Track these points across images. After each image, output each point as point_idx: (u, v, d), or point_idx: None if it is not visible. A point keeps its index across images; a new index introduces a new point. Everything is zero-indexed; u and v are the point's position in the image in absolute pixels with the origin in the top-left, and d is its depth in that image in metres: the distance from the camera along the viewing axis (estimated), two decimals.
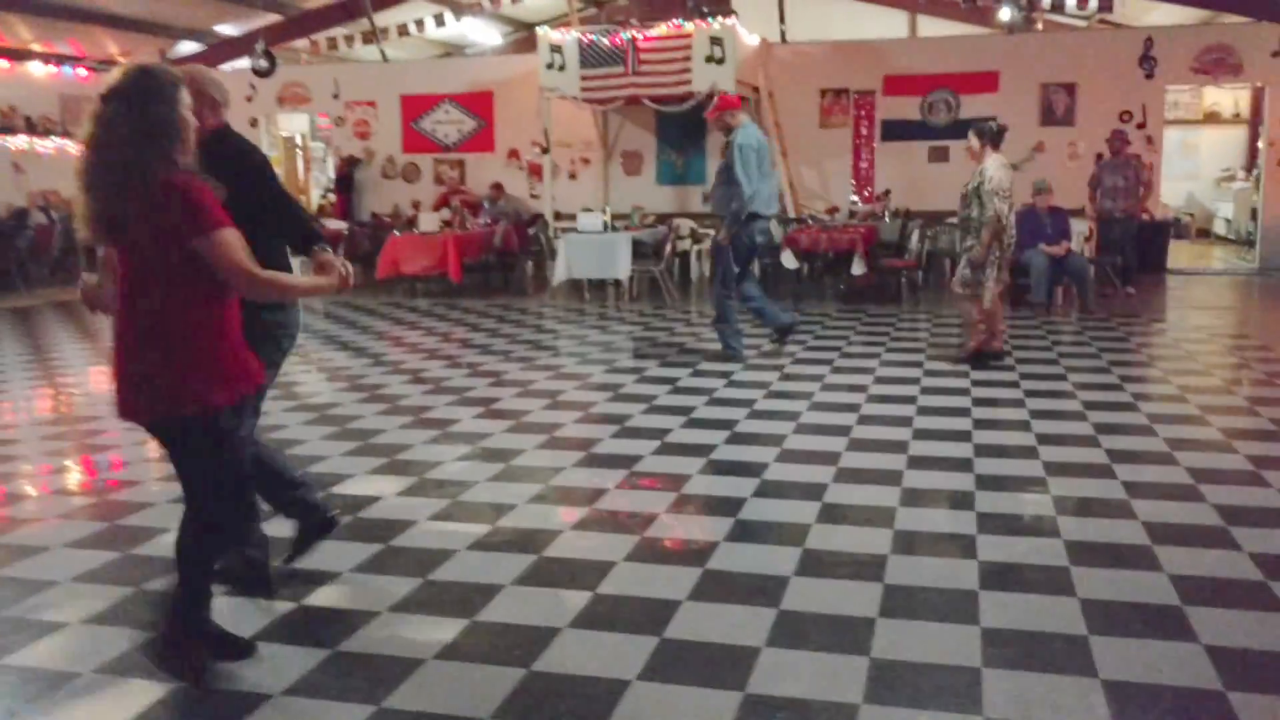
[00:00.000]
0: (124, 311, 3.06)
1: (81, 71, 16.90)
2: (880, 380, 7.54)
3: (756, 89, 14.76)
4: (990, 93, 14.51)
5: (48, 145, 16.22)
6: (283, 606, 3.80)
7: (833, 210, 14.29)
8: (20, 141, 15.75)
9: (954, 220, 12.58)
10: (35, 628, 3.67)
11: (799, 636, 3.47)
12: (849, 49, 15.27)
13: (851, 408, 6.70)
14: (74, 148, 14.12)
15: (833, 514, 4.69)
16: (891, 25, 17.41)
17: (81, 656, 3.44)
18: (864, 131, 15.19)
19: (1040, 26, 16.38)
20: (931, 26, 17.48)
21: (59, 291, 14.01)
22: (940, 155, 14.84)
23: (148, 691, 3.21)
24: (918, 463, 5.46)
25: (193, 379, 3.03)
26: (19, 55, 15.88)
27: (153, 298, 3.00)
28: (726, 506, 4.83)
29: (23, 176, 15.70)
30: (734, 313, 8.58)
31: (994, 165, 7.78)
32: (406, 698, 3.13)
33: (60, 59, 16.47)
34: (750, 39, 14.46)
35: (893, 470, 5.32)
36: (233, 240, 2.99)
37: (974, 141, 7.90)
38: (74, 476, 5.67)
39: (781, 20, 16.69)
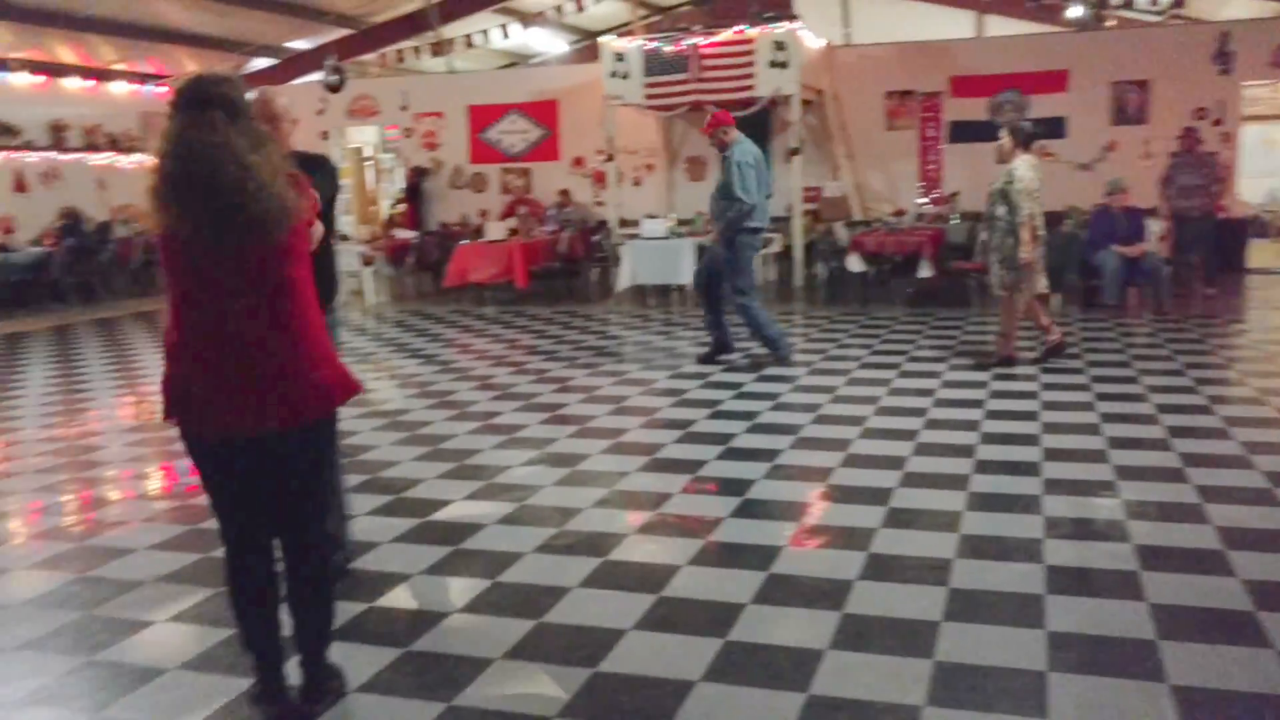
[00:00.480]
0: (236, 323, 2.90)
1: (161, 89, 17.42)
2: (948, 384, 7.48)
3: (821, 92, 14.73)
4: (1059, 92, 14.30)
5: (129, 161, 16.76)
6: (356, 607, 3.91)
7: (899, 213, 14.18)
8: (104, 158, 16.28)
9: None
10: (124, 626, 3.83)
11: (862, 639, 3.49)
12: (915, 50, 15.15)
13: (918, 412, 6.67)
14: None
15: (898, 518, 4.69)
16: (958, 25, 17.24)
17: (167, 654, 3.58)
18: (931, 133, 15.05)
19: (1111, 23, 16.11)
20: (999, 26, 17.28)
21: (140, 302, 14.45)
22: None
23: (228, 687, 3.33)
24: (984, 467, 5.42)
25: (328, 379, 3.01)
26: (103, 75, 16.43)
27: (284, 302, 2.93)
28: (791, 511, 4.85)
29: (106, 192, 16.23)
30: (763, 313, 8.59)
31: (1023, 166, 7.72)
32: (476, 696, 3.21)
33: (141, 77, 17.00)
34: (814, 42, 14.43)
35: (959, 475, 5.29)
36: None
37: (1005, 141, 7.86)
38: (156, 482, 5.87)
39: (845, 23, 16.65)
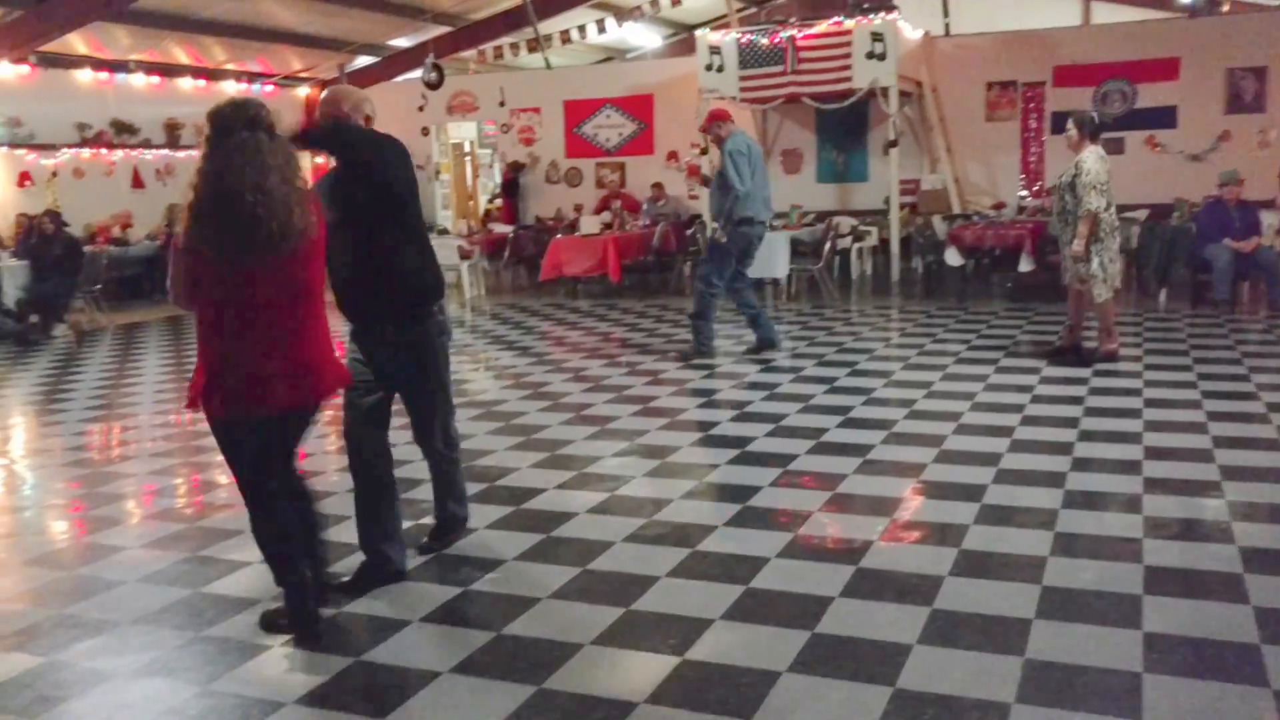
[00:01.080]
0: (268, 316, 3.41)
1: (268, 88, 17.96)
2: (1046, 380, 7.33)
3: (919, 83, 14.51)
4: (1170, 80, 13.85)
5: None
6: (450, 591, 4.02)
7: (999, 206, 13.90)
8: None
9: (1130, 215, 12.13)
10: (232, 604, 3.99)
11: (951, 635, 3.46)
12: (1017, 39, 14.82)
13: (1015, 408, 6.55)
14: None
15: (992, 515, 4.63)
16: (1062, 14, 16.82)
17: (261, 634, 3.73)
18: (1033, 124, 14.72)
19: (1226, 8, 15.52)
20: (1106, 13, 16.81)
21: None
22: (1115, 147, 14.16)
23: (328, 664, 3.45)
24: (1082, 465, 5.31)
25: (334, 369, 3.66)
26: (213, 75, 17.00)
27: (307, 301, 3.49)
28: (882, 506, 4.82)
29: None
30: (714, 311, 8.80)
31: (1091, 158, 7.56)
32: (565, 680, 3.28)
33: (250, 76, 17.55)
34: (912, 33, 14.22)
35: (1056, 472, 5.19)
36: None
37: (1073, 132, 7.71)
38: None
39: (945, 13, 16.38)
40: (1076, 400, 6.69)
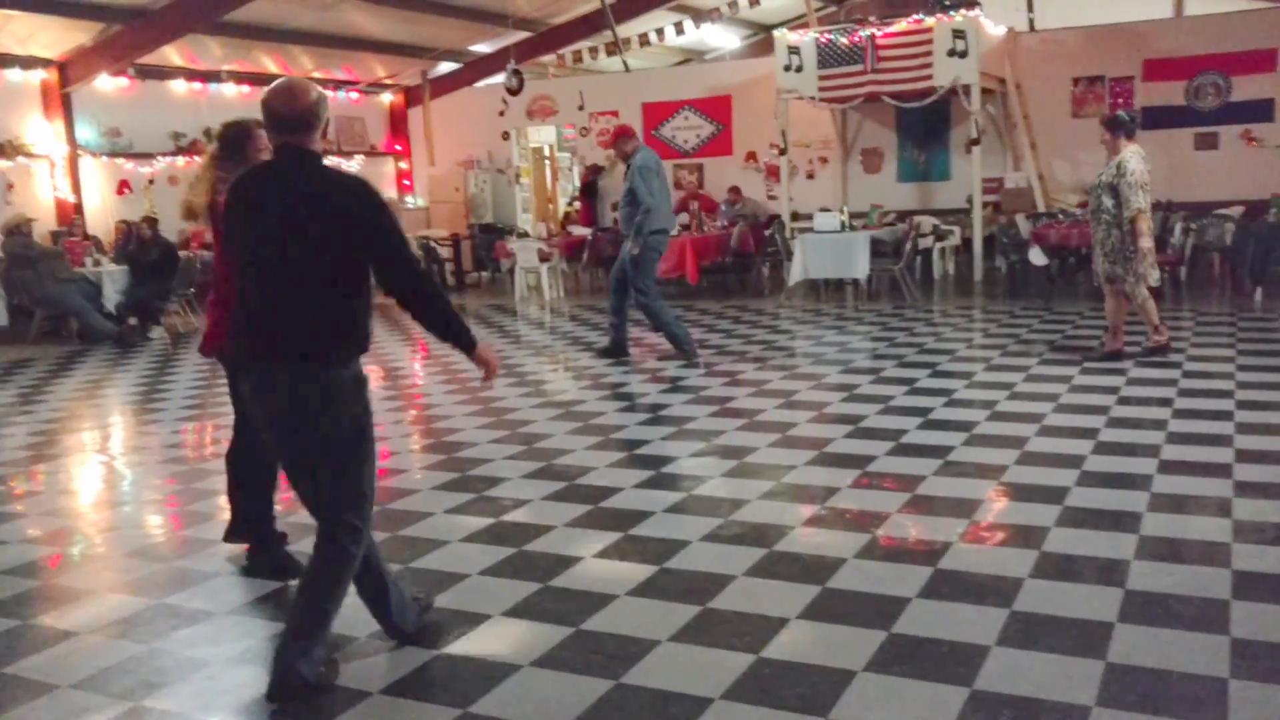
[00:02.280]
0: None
1: (354, 95, 18.37)
2: (1133, 381, 7.18)
3: (1003, 80, 14.29)
4: (1266, 72, 13.45)
5: (325, 164, 17.69)
6: (529, 586, 4.09)
7: (1085, 204, 13.60)
8: None
9: (1222, 212, 11.80)
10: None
11: (1031, 637, 3.43)
12: (1105, 33, 14.52)
13: (1100, 410, 6.43)
14: (348, 165, 15.39)
15: (1074, 517, 4.56)
16: (1153, 6, 16.38)
17: (354, 624, 3.84)
18: None
19: None
20: (1198, 3, 16.34)
21: None
22: (1208, 142, 13.89)
23: (411, 657, 3.55)
24: (1170, 468, 5.20)
25: None
26: None
27: None
28: (962, 508, 4.78)
29: None
30: (667, 312, 9.01)
31: (1134, 158, 7.49)
32: (642, 675, 3.33)
33: (335, 84, 17.96)
34: (995, 30, 14.01)
35: (1142, 475, 5.10)
36: None
37: (1106, 135, 7.65)
38: None
39: (1030, 8, 16.09)
40: (1165, 402, 6.55)
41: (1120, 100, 14.30)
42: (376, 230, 3.30)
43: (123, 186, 14.83)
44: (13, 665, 3.61)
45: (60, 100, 14.02)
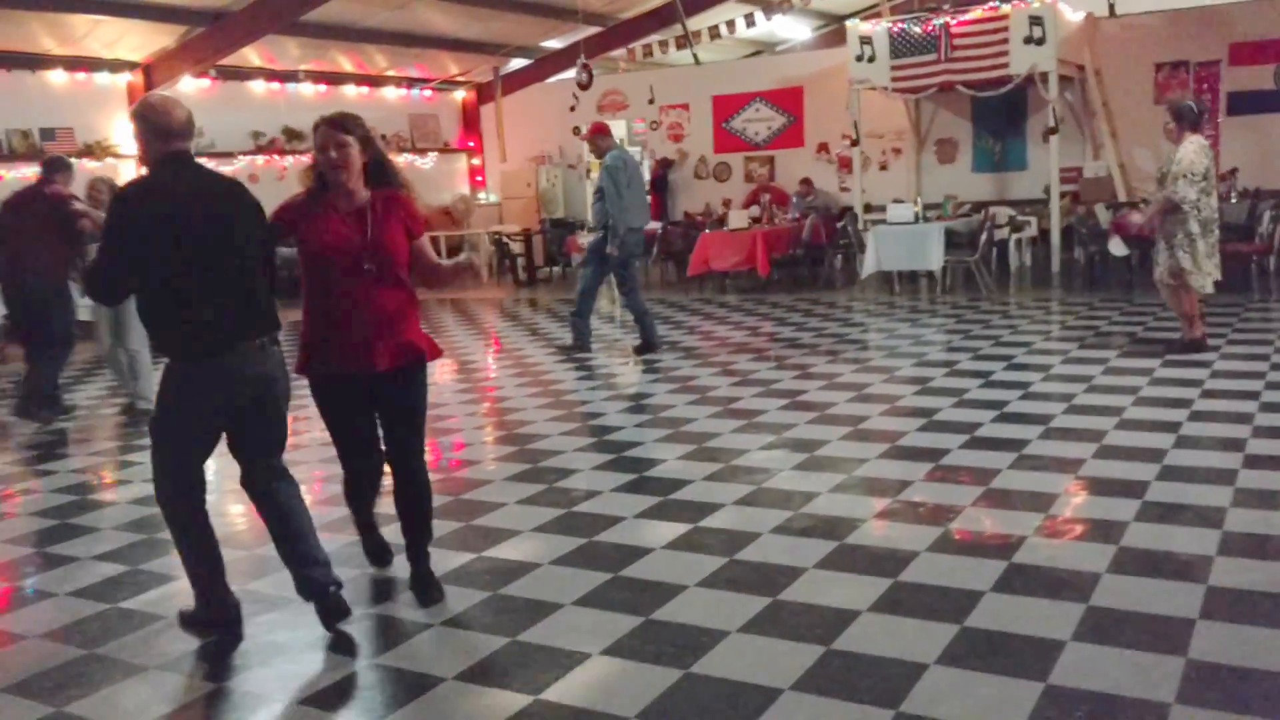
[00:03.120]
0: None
1: (427, 92, 18.61)
2: (1217, 374, 6.99)
3: (1081, 67, 13.99)
4: None
5: (400, 161, 17.93)
6: (600, 576, 4.12)
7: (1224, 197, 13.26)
8: None
9: None
10: (391, 585, 4.20)
11: (1108, 633, 3.37)
12: (1189, 17, 14.13)
13: (1183, 403, 6.28)
14: (422, 163, 15.59)
15: (1154, 512, 4.46)
16: None
17: (430, 610, 3.91)
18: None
19: None
20: None
21: None
22: None
23: (483, 644, 3.60)
24: (1256, 462, 5.06)
25: None
26: (375, 81, 17.72)
27: None
28: (1038, 502, 4.70)
29: None
30: (643, 303, 9.25)
31: (1192, 148, 7.34)
32: (712, 665, 3.34)
33: (409, 82, 18.21)
34: (1074, 15, 13.72)
35: (1226, 469, 4.97)
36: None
37: (1170, 124, 7.49)
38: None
39: None
40: (1251, 395, 6.37)
41: (1205, 86, 13.91)
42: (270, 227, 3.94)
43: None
44: (104, 647, 3.74)
45: None
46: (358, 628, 3.81)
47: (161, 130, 3.57)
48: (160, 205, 3.52)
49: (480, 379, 8.83)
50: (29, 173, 13.19)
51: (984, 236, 12.23)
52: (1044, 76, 12.85)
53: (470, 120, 19.62)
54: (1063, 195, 13.50)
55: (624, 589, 4.01)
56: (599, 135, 9.32)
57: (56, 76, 13.72)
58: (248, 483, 3.84)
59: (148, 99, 3.75)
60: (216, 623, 3.77)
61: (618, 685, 3.27)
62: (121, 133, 14.27)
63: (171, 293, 3.54)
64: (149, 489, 3.97)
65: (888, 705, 3.02)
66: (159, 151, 3.58)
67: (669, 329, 10.66)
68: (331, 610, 3.73)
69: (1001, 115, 14.97)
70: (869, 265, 12.36)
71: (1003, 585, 3.81)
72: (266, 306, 3.75)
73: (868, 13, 17.23)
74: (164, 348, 3.69)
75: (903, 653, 3.33)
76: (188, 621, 3.80)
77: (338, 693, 3.35)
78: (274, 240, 3.90)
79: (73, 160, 8.46)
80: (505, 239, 16.76)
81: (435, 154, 18.75)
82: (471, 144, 19.64)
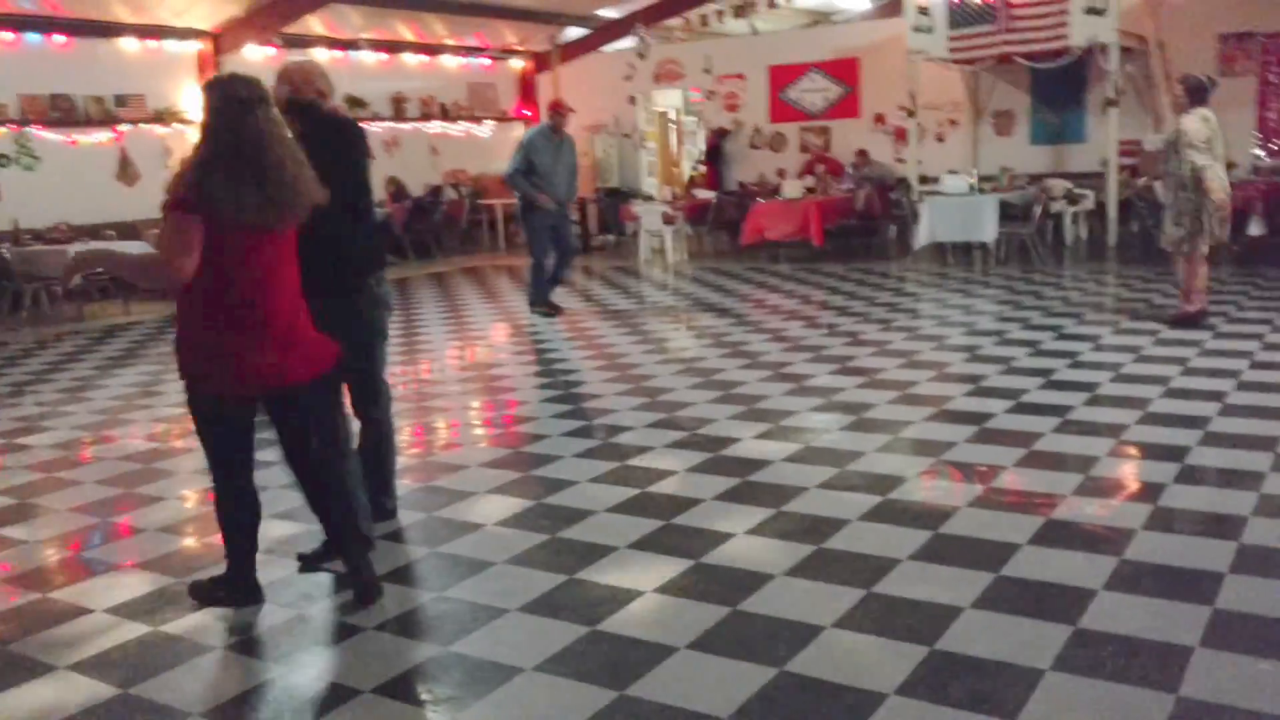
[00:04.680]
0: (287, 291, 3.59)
1: (485, 61, 18.81)
2: (1270, 346, 7.02)
3: (1143, 39, 13.81)
4: None
5: (458, 129, 18.26)
6: (652, 523, 4.34)
7: (1230, 166, 13.08)
8: (435, 127, 17.83)
9: None
10: (459, 527, 4.45)
11: (1137, 583, 3.52)
12: None
13: (1230, 374, 6.34)
14: (480, 131, 15.78)
15: (1192, 475, 4.58)
16: None
17: (494, 550, 4.16)
18: (1273, 79, 13.77)
19: None
20: None
21: (468, 259, 15.80)
22: None
23: (564, 633, 3.83)
24: None
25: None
26: (434, 50, 17.95)
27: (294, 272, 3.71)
28: (1078, 463, 4.83)
29: (438, 158, 17.79)
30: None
31: (1193, 119, 7.53)
32: (758, 604, 3.54)
33: (468, 50, 18.42)
34: None
35: (1268, 436, 5.05)
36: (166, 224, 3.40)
37: (1181, 95, 7.70)
38: (481, 414, 6.60)
39: None
40: None
41: (1273, 58, 13.69)
42: None
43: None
44: (171, 624, 3.93)
45: (214, 69, 14.77)
46: (424, 565, 4.06)
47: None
48: None
49: (538, 343, 9.04)
50: (103, 138, 13.74)
51: (1039, 209, 12.21)
52: (1104, 48, 12.74)
53: (527, 89, 19.80)
54: (1121, 169, 13.40)
55: (674, 535, 4.22)
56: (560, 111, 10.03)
57: (129, 44, 14.09)
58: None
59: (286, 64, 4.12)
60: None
61: (669, 619, 3.48)
62: (190, 99, 14.67)
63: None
64: None
65: (923, 642, 3.20)
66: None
67: (720, 297, 10.82)
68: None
69: (1060, 87, 14.82)
70: (923, 236, 12.39)
71: (1040, 539, 3.96)
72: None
73: None
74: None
75: (939, 597, 3.51)
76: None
77: (416, 673, 3.59)
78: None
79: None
80: None
81: (492, 122, 18.97)
82: (528, 113, 19.81)
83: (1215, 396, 5.82)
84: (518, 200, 10.22)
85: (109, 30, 13.81)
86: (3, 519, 4.88)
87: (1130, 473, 4.73)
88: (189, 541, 4.50)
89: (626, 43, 17.91)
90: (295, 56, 15.60)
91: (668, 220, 14.51)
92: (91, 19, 13.50)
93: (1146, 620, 3.26)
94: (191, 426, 3.71)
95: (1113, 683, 2.93)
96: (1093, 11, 12.62)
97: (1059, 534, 4.00)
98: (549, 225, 9.96)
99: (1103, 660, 3.05)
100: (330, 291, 3.96)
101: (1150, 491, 4.40)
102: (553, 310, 10.05)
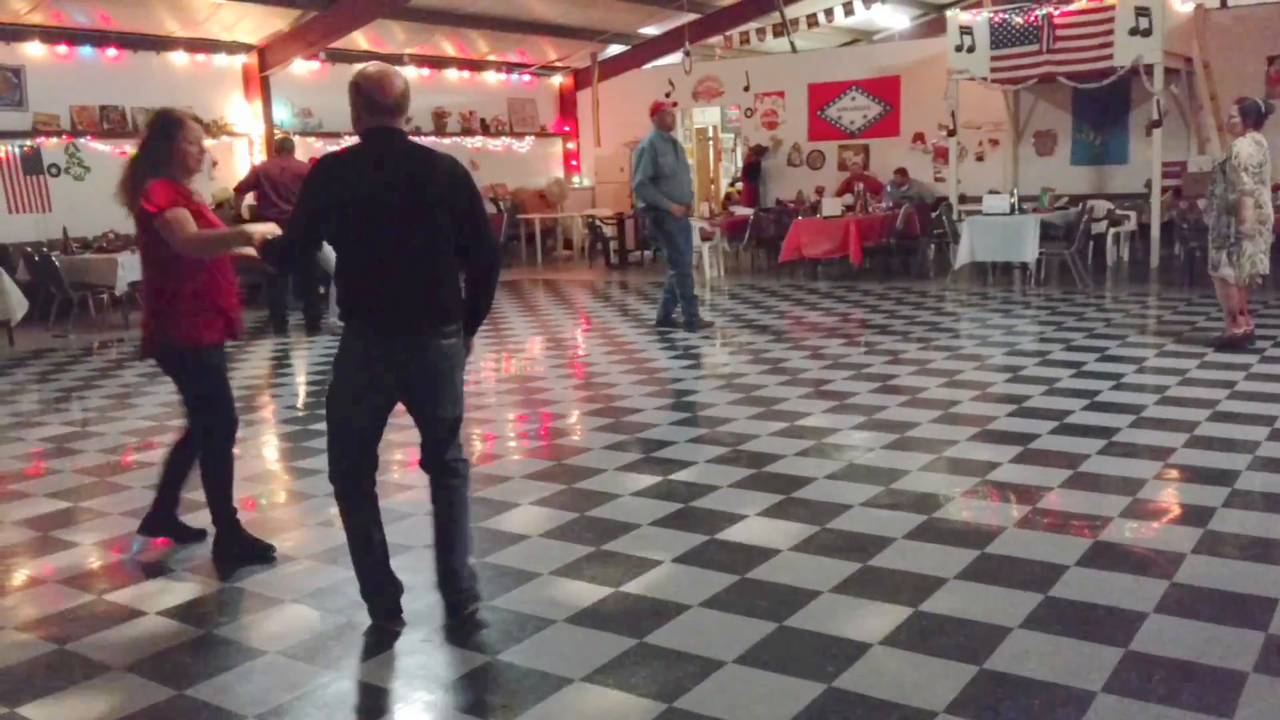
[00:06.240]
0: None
1: (525, 77, 18.96)
2: None
3: (1189, 60, 13.72)
4: None
5: (498, 144, 18.42)
6: (697, 538, 4.35)
7: (1276, 188, 12.96)
8: (476, 141, 17.99)
9: None
10: (503, 538, 4.48)
11: (1189, 607, 3.49)
12: None
13: (1278, 398, 6.27)
14: (519, 146, 15.87)
15: (1243, 499, 4.54)
16: None
17: (538, 561, 4.18)
18: None
19: None
20: None
21: (507, 273, 15.87)
22: None
23: (595, 592, 3.85)
24: None
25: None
26: (476, 66, 18.13)
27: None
28: (1124, 486, 4.80)
29: (478, 172, 17.92)
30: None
31: (1247, 143, 7.48)
32: (804, 620, 3.54)
33: (508, 66, 18.58)
34: (1183, 6, 13.48)
35: None
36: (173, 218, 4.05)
37: (1236, 119, 7.61)
38: (525, 425, 6.64)
39: None
40: None
41: None
42: (473, 205, 3.63)
43: (312, 163, 15.76)
44: (224, 628, 4.06)
45: (260, 83, 15.01)
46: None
47: (372, 104, 3.53)
48: (347, 177, 3.51)
49: (578, 356, 9.09)
50: None
51: (1081, 229, 12.13)
52: (1149, 69, 12.67)
53: (567, 105, 19.93)
54: (1165, 190, 13.30)
55: (720, 550, 4.23)
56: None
57: (178, 58, 14.34)
58: (422, 464, 3.81)
59: (365, 70, 3.58)
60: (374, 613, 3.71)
61: (715, 633, 3.49)
62: (237, 112, 14.89)
63: (352, 266, 3.56)
64: None
65: (971, 662, 3.19)
66: (366, 124, 3.56)
67: (759, 314, 10.83)
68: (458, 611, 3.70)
69: (1103, 107, 14.76)
70: (963, 256, 12.34)
71: (1088, 561, 3.93)
72: (450, 291, 3.62)
73: (968, 3, 17.10)
74: (345, 317, 3.66)
75: (987, 616, 3.49)
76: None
77: (458, 625, 3.63)
78: (478, 219, 3.65)
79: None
80: (598, 222, 17.05)
81: (532, 137, 19.11)
82: (567, 128, 19.96)
83: (1264, 420, 5.76)
84: (642, 214, 9.94)
85: (159, 44, 14.06)
86: (55, 523, 4.97)
87: (1177, 496, 4.69)
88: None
89: (667, 60, 17.99)
90: (340, 70, 15.85)
91: (705, 236, 14.53)
92: (143, 33, 13.76)
93: (1199, 645, 3.23)
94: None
95: (1165, 706, 2.91)
96: (1138, 33, 12.56)
97: (1107, 556, 3.98)
98: (683, 230, 9.68)
99: (1155, 684, 3.02)
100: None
101: (1199, 515, 4.36)
102: (708, 325, 9.84)
